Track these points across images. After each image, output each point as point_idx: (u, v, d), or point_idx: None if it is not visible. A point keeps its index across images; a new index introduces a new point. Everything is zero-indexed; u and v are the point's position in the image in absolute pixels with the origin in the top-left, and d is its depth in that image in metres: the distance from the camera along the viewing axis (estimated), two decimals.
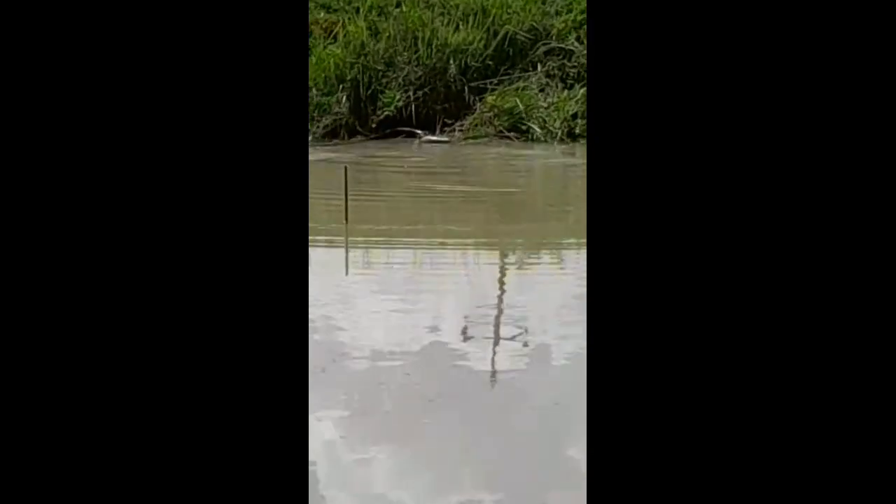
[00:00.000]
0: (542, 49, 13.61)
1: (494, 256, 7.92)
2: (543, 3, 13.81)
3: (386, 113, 13.26)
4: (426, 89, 13.35)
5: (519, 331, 5.64)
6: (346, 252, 7.76)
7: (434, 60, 13.38)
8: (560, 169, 11.78)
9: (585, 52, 12.37)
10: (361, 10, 13.76)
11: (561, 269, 7.33)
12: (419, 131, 13.17)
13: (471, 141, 13.03)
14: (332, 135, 13.08)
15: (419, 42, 13.44)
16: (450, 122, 13.34)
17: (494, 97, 13.27)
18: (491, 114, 13.22)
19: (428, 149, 12.73)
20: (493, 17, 13.58)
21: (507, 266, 7.58)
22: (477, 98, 13.39)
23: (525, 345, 5.40)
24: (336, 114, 13.19)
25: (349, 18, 13.67)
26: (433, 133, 13.20)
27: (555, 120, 13.07)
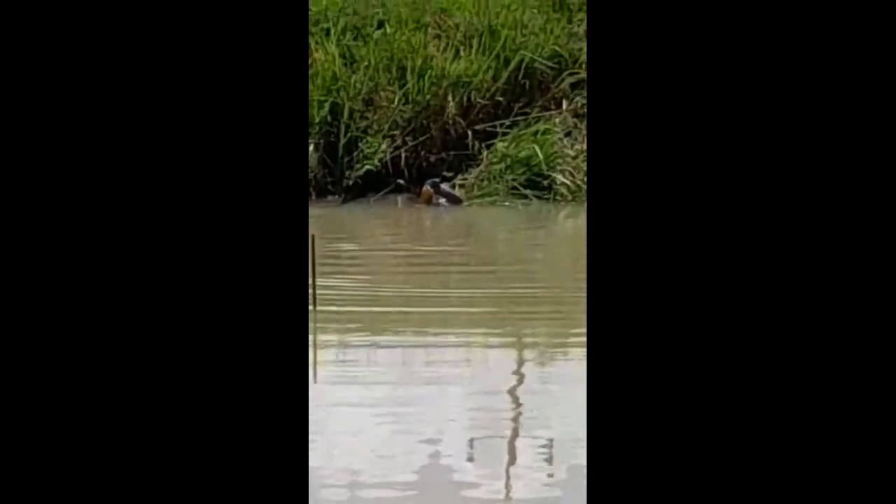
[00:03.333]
0: (568, 81, 13.67)
1: (508, 351, 7.96)
2: (569, 23, 13.77)
3: (367, 167, 13.27)
4: (418, 135, 13.40)
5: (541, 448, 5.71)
6: (314, 349, 7.78)
7: (428, 97, 13.36)
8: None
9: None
10: (333, 33, 13.73)
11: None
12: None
13: (476, 201, 13.06)
14: None
15: (408, 73, 13.41)
16: (449, 175, 13.35)
17: (506, 144, 13.29)
18: (502, 165, 13.21)
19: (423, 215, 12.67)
20: (505, 41, 13.57)
21: (524, 363, 7.63)
22: (483, 145, 13.42)
23: (549, 474, 5.46)
24: None
25: (317, 43, 13.59)
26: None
27: (584, 173, 13.10)
